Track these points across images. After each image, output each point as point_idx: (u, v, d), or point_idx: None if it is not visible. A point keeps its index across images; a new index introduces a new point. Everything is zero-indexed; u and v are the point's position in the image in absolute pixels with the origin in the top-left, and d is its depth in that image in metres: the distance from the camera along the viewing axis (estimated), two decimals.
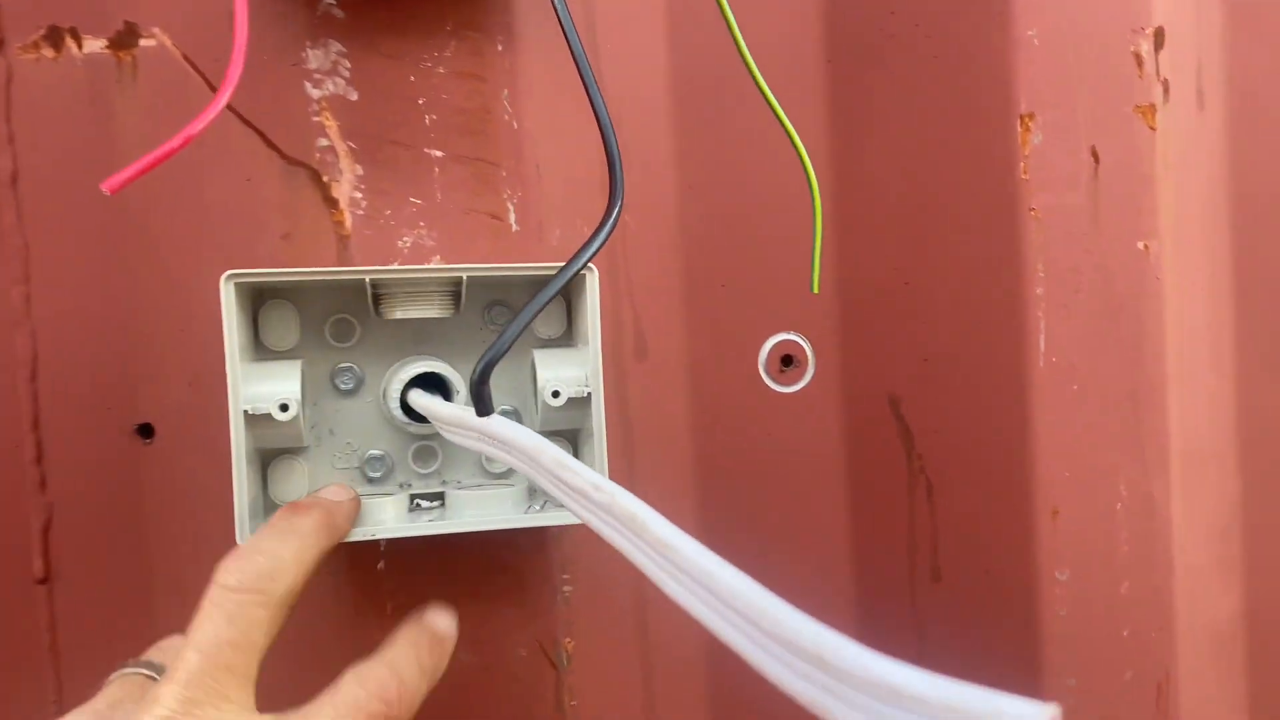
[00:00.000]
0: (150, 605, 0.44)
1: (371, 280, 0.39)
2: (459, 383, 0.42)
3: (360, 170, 0.43)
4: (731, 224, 0.48)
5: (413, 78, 0.43)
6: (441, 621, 0.38)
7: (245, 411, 0.38)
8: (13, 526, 0.42)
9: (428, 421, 0.41)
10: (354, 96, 0.43)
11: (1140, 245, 0.48)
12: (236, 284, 0.37)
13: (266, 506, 0.41)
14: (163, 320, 0.42)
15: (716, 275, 0.48)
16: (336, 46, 0.43)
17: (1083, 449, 0.48)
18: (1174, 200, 0.49)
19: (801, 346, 0.49)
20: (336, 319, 0.42)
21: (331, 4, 0.43)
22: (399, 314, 0.41)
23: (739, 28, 0.40)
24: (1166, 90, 0.49)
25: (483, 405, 0.31)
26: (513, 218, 0.44)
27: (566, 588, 0.46)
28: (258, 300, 0.41)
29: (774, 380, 0.49)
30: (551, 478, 0.31)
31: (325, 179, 0.43)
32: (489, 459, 0.44)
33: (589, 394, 0.40)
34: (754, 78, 0.41)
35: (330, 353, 0.42)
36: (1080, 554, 0.48)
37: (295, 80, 0.42)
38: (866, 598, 0.50)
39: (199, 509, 0.43)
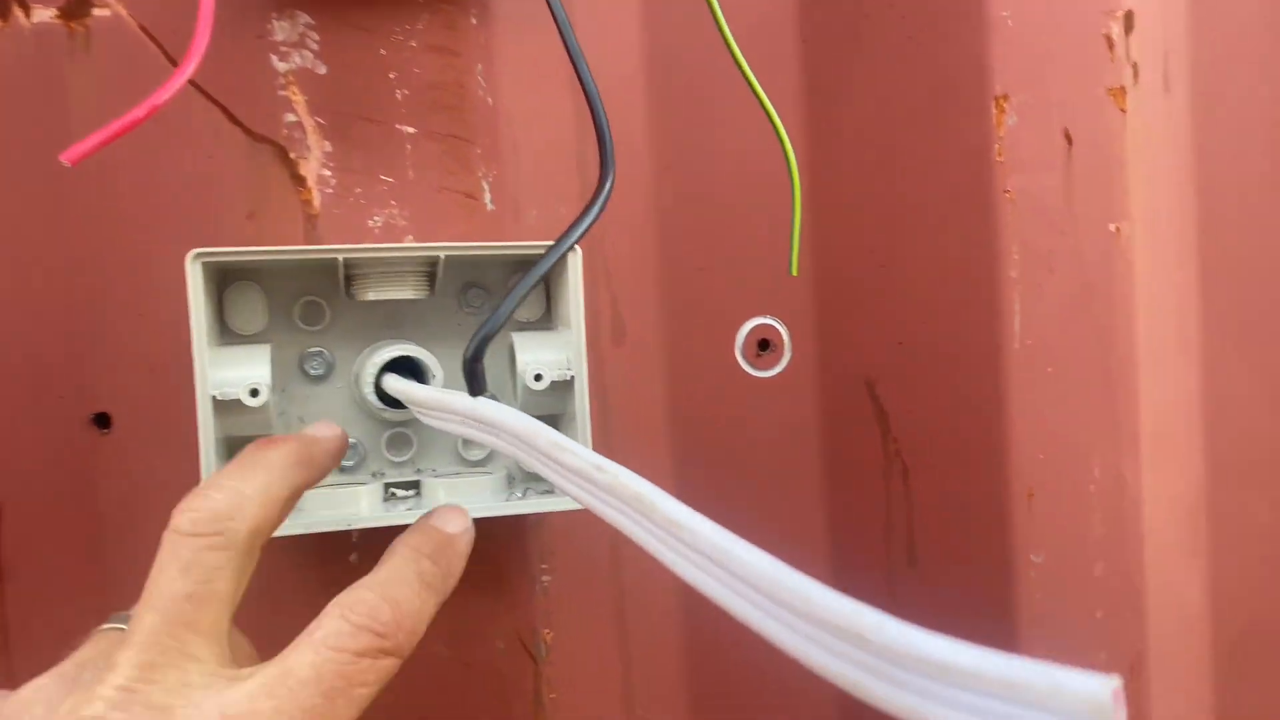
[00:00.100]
0: (106, 605, 0.41)
1: (345, 260, 0.38)
2: (435, 367, 0.40)
3: (329, 147, 0.41)
4: (708, 206, 0.47)
5: (384, 51, 0.42)
6: (450, 521, 0.33)
7: (213, 397, 0.36)
8: None
9: (403, 407, 0.39)
10: (322, 70, 0.41)
11: (1112, 228, 0.48)
12: (204, 263, 0.36)
13: None
14: (120, 303, 0.40)
15: (693, 258, 0.47)
16: (304, 18, 0.41)
17: (1057, 431, 0.48)
18: (1144, 183, 0.50)
19: (778, 331, 0.49)
20: (306, 301, 0.40)
21: None
22: (372, 295, 0.39)
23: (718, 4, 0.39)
24: (1136, 73, 0.49)
25: (476, 384, 0.30)
26: (488, 197, 0.43)
27: (545, 578, 0.44)
28: (223, 282, 0.39)
29: (751, 365, 0.48)
30: (547, 460, 0.30)
31: (292, 156, 0.41)
32: (466, 446, 0.42)
33: (571, 377, 0.39)
34: (733, 55, 0.40)
35: (299, 337, 0.41)
36: (1055, 536, 0.48)
37: (260, 53, 0.41)
38: (843, 582, 0.49)
39: (160, 503, 0.41)
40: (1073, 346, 0.48)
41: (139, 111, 0.32)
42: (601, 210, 0.30)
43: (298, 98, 0.41)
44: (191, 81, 0.40)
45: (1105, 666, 0.49)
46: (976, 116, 0.47)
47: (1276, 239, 0.54)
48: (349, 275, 0.39)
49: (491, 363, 0.42)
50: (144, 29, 0.40)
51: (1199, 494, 0.54)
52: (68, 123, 0.40)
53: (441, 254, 0.38)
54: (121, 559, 0.41)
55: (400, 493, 0.41)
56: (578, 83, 0.33)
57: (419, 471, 0.42)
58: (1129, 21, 0.48)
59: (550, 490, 0.41)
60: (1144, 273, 0.50)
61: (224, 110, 0.41)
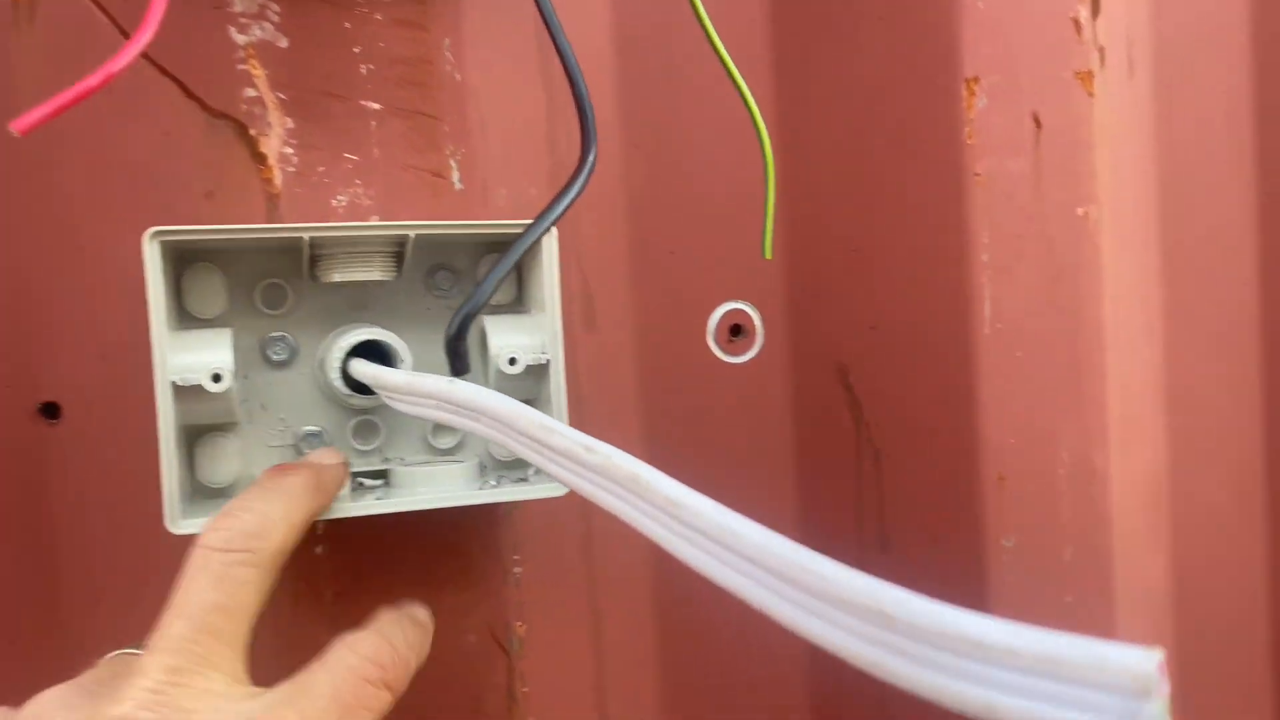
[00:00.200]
0: (57, 604, 0.40)
1: (310, 240, 0.36)
2: (404, 351, 0.39)
3: (291, 123, 0.40)
4: (679, 188, 0.46)
5: (348, 24, 0.40)
6: (419, 611, 0.36)
7: (173, 383, 0.34)
8: None
9: (371, 393, 0.38)
10: (283, 43, 0.39)
11: (1080, 212, 0.48)
12: (162, 242, 0.34)
13: (194, 489, 0.38)
14: (70, 287, 0.38)
15: (664, 242, 0.46)
16: None
17: (1027, 416, 0.48)
18: (1110, 167, 0.50)
19: (750, 316, 0.48)
20: (268, 284, 0.39)
21: None
22: (337, 276, 0.38)
23: None
24: (1103, 57, 0.49)
25: (459, 363, 0.28)
26: (456, 176, 0.41)
27: (517, 569, 0.43)
28: (180, 263, 0.38)
29: (723, 350, 0.48)
30: (531, 443, 0.29)
31: (252, 133, 0.39)
32: (436, 434, 0.41)
33: (547, 360, 0.38)
34: (708, 34, 0.39)
35: (261, 321, 0.39)
36: (1025, 520, 0.48)
37: (218, 24, 0.39)
38: None
39: (114, 497, 0.39)
40: (1042, 331, 0.48)
41: (93, 80, 0.30)
42: (584, 185, 0.29)
43: (258, 72, 0.39)
44: (145, 55, 0.38)
45: None
46: (947, 99, 0.46)
47: (1235, 224, 0.55)
48: (313, 256, 0.38)
49: None
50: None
51: (1162, 477, 0.55)
52: (13, 99, 0.38)
53: (411, 233, 0.36)
54: (72, 557, 0.39)
55: (368, 482, 0.39)
56: (548, 60, 0.32)
57: (387, 460, 0.41)
58: (1095, 5, 0.48)
59: (524, 478, 0.40)
60: (1110, 257, 0.50)
61: (180, 85, 0.39)
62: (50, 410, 0.39)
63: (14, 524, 0.39)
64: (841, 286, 0.48)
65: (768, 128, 0.47)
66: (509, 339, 0.38)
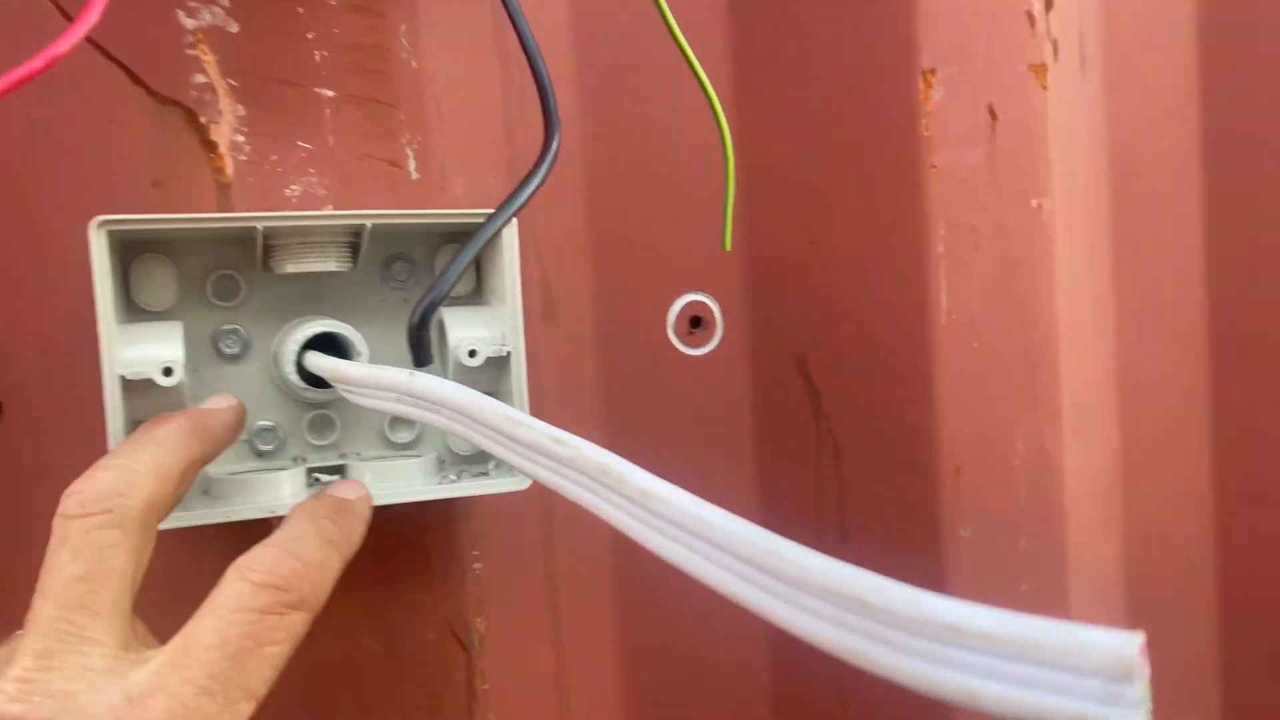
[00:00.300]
0: (2, 610, 0.38)
1: (263, 230, 0.35)
2: (361, 344, 0.38)
3: (242, 111, 0.39)
4: (638, 179, 0.46)
5: (301, 9, 0.39)
6: (346, 490, 0.33)
7: (121, 378, 0.33)
8: None
9: (327, 387, 0.37)
10: (234, 28, 0.38)
11: (1034, 203, 0.49)
12: (109, 231, 0.33)
13: None
14: (11, 279, 0.37)
15: (623, 233, 0.46)
16: None
17: (982, 406, 0.48)
18: (1063, 160, 0.50)
19: (710, 308, 0.48)
20: (219, 275, 0.38)
21: None
22: (291, 267, 0.37)
23: None
24: (1056, 51, 0.49)
25: (422, 353, 0.28)
26: (412, 165, 0.41)
27: (477, 565, 0.43)
28: (128, 254, 0.36)
29: (683, 342, 0.47)
30: (497, 436, 0.28)
31: (202, 120, 0.38)
32: (393, 428, 0.40)
33: (508, 353, 0.37)
34: (668, 24, 0.39)
35: (212, 313, 0.38)
36: (982, 511, 0.49)
37: (166, 8, 0.38)
38: None
39: (60, 496, 0.38)
40: (997, 322, 0.48)
41: (36, 63, 0.29)
42: (549, 172, 0.29)
43: (208, 57, 0.38)
44: (89, 39, 0.37)
45: None
46: (904, 90, 0.46)
47: (1182, 217, 0.56)
48: (267, 247, 0.37)
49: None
50: None
51: (1114, 467, 0.55)
52: None
53: (367, 223, 0.36)
54: (16, 560, 0.38)
55: (324, 478, 0.39)
56: (506, 47, 0.32)
57: (343, 456, 0.40)
58: None
59: (484, 473, 0.40)
60: (1063, 249, 0.50)
61: (126, 70, 0.38)
62: None
63: None
64: (801, 278, 0.48)
65: (727, 119, 0.47)
66: (468, 331, 0.37)
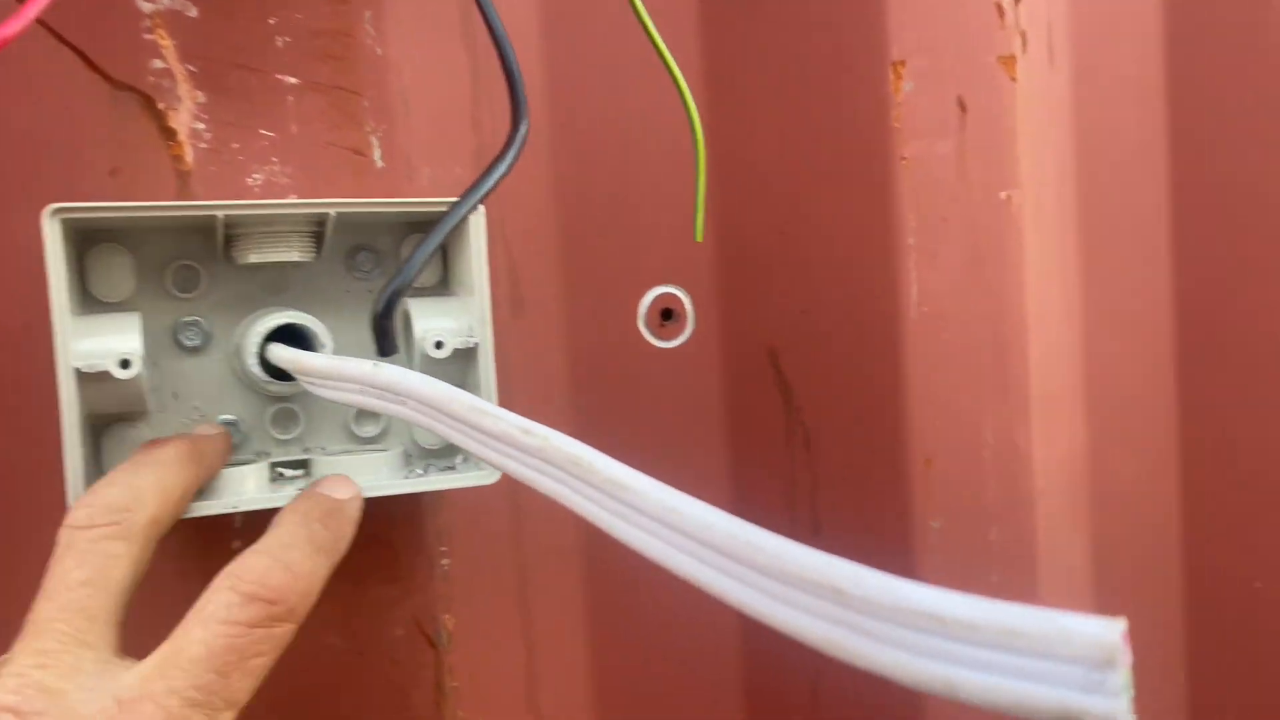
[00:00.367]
0: None
1: (224, 218, 0.34)
2: (325, 335, 0.37)
3: (202, 97, 0.38)
4: (608, 170, 0.45)
5: None
6: (338, 488, 0.33)
7: (77, 370, 0.32)
8: None
9: (290, 380, 0.36)
10: (193, 13, 0.37)
11: (1003, 195, 0.49)
12: (63, 220, 0.32)
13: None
14: None
15: (593, 224, 0.45)
16: None
17: (952, 397, 0.48)
18: (1032, 152, 0.50)
19: (681, 300, 0.47)
20: (179, 266, 0.37)
21: None
22: (254, 257, 0.36)
23: None
24: (1025, 42, 0.49)
25: (387, 343, 0.27)
26: (377, 154, 0.40)
27: (445, 561, 0.42)
28: (84, 244, 0.35)
29: (654, 335, 0.47)
30: (464, 427, 0.28)
31: (161, 106, 0.37)
32: (359, 422, 0.39)
33: (475, 344, 0.37)
34: (638, 13, 0.38)
35: (172, 304, 0.37)
36: (952, 502, 0.49)
37: None
38: None
39: (12, 493, 0.37)
40: (966, 314, 0.48)
41: None
42: (516, 158, 0.28)
43: (166, 42, 0.37)
44: (42, 21, 0.36)
45: None
46: (874, 82, 0.46)
47: (1149, 208, 0.56)
48: (228, 236, 0.36)
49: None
50: None
51: (1082, 458, 0.56)
52: None
53: (332, 211, 0.35)
54: None
55: (288, 473, 0.38)
56: (473, 34, 0.31)
57: (307, 450, 0.39)
58: None
59: (451, 467, 0.39)
60: (1032, 240, 0.50)
61: (81, 55, 0.36)
62: None
63: None
64: (772, 270, 0.48)
65: (698, 110, 0.47)
66: (435, 322, 0.37)
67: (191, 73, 0.37)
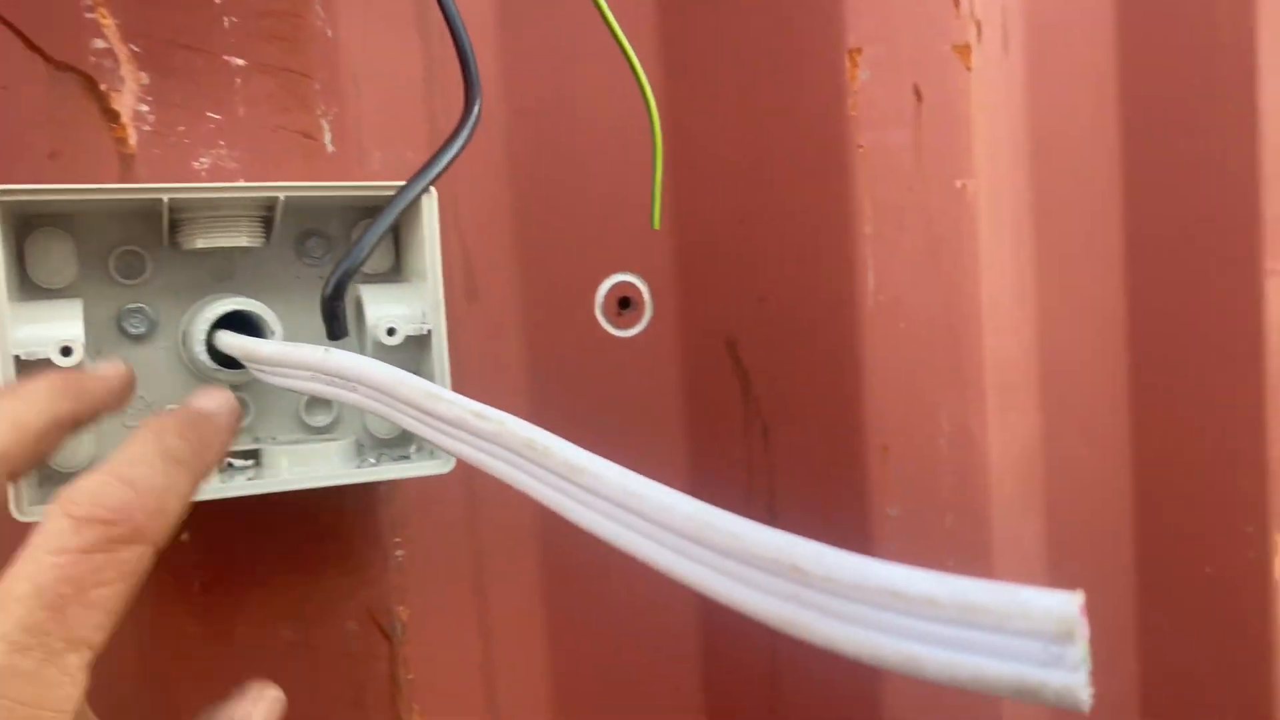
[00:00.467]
0: None
1: (169, 202, 0.34)
2: (274, 322, 0.37)
3: (146, 79, 0.37)
4: (563, 156, 0.45)
5: None
6: (205, 398, 0.30)
7: (16, 357, 0.31)
8: None
9: (240, 367, 0.35)
10: None
11: (958, 184, 0.49)
12: (1, 203, 0.31)
13: (43, 474, 0.34)
14: None
15: (549, 211, 0.45)
16: None
17: (908, 386, 0.48)
18: (986, 141, 0.51)
19: (639, 289, 0.47)
20: (122, 251, 0.36)
21: None
22: (200, 242, 0.35)
23: None
24: (979, 31, 0.50)
25: (337, 325, 0.27)
26: (328, 137, 0.39)
27: (399, 551, 0.41)
28: (23, 229, 0.34)
29: (611, 324, 0.47)
30: (416, 413, 0.27)
31: (103, 88, 0.36)
32: (309, 410, 0.39)
33: (428, 331, 0.36)
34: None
35: (116, 291, 0.36)
36: (908, 490, 0.49)
37: None
38: None
39: None
40: (923, 302, 0.48)
41: None
42: (470, 137, 0.28)
43: (107, 21, 0.36)
44: None
45: None
46: (831, 70, 0.46)
47: (1102, 197, 0.57)
48: (174, 221, 0.35)
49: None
50: None
51: (1036, 445, 0.56)
52: None
53: (281, 195, 0.34)
54: None
55: (238, 463, 0.37)
56: (426, 15, 0.31)
57: (258, 440, 0.38)
58: None
59: (405, 456, 0.38)
60: (987, 229, 0.51)
61: (18, 34, 0.35)
62: None
63: None
64: (730, 258, 0.47)
65: (655, 96, 0.46)
66: (387, 309, 0.36)
67: (135, 53, 0.36)
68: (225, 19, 0.37)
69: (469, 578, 0.43)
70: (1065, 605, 0.16)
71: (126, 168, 0.37)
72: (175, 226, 0.35)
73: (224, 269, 0.37)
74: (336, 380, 0.30)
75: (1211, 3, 0.53)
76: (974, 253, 0.50)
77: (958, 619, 0.16)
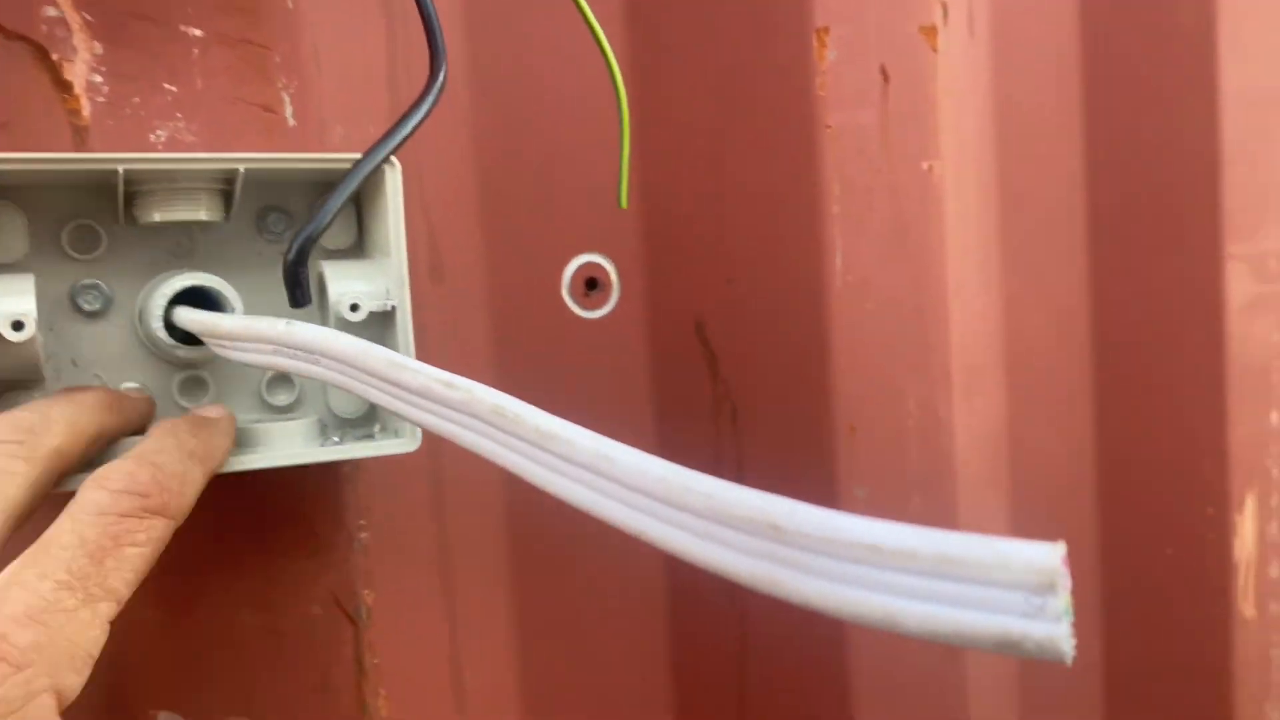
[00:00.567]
0: None
1: (125, 173, 0.33)
2: (234, 299, 0.36)
3: (99, 49, 0.36)
4: (530, 134, 0.44)
5: None
6: (208, 409, 0.34)
7: None
8: None
9: (199, 344, 0.35)
10: None
11: (925, 166, 0.49)
12: None
13: None
14: None
15: (515, 190, 0.44)
16: None
17: (876, 366, 0.48)
18: (952, 123, 0.51)
19: (606, 269, 0.47)
20: (76, 225, 0.35)
21: None
22: (158, 216, 0.34)
23: None
24: (946, 13, 0.50)
25: (300, 292, 0.26)
26: (288, 111, 0.38)
27: (363, 534, 0.41)
28: None
29: (578, 305, 0.46)
30: (382, 384, 0.27)
31: (55, 57, 0.35)
32: (271, 390, 0.38)
33: (393, 307, 0.35)
34: None
35: (70, 266, 0.35)
36: (876, 471, 0.49)
37: None
38: None
39: None
40: (890, 283, 0.48)
41: None
42: (435, 104, 0.27)
43: None
44: None
45: None
46: (799, 49, 0.46)
47: (1065, 180, 0.57)
48: (130, 194, 0.34)
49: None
50: None
51: (1002, 427, 0.56)
52: None
53: (241, 166, 0.33)
54: None
55: None
56: None
57: None
58: None
59: (370, 435, 0.38)
60: (953, 211, 0.51)
61: None
62: None
63: None
64: (699, 239, 0.47)
65: (622, 74, 0.46)
66: (350, 285, 0.35)
67: (88, 22, 0.35)
68: None
69: (435, 561, 0.43)
70: (1047, 556, 0.16)
71: (80, 140, 0.36)
72: (131, 200, 0.34)
73: (183, 245, 0.36)
74: (300, 354, 0.29)
75: None
76: (940, 234, 0.50)
77: (937, 572, 0.16)
